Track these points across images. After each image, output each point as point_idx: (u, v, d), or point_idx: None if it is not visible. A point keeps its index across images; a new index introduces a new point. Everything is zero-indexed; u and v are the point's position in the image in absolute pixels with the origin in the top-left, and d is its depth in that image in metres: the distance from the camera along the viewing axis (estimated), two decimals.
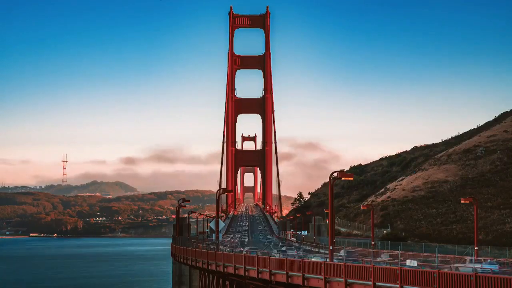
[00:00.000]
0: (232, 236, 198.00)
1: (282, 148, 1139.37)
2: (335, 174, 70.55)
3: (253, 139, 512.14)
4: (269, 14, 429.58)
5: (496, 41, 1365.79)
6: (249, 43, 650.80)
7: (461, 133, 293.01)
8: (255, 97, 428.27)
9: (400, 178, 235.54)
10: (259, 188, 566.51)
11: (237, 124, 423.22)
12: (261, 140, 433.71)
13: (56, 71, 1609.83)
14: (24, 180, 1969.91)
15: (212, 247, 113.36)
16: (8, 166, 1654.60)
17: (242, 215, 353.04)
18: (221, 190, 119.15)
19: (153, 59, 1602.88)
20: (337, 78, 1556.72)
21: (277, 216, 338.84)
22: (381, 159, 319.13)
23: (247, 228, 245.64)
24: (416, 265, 69.81)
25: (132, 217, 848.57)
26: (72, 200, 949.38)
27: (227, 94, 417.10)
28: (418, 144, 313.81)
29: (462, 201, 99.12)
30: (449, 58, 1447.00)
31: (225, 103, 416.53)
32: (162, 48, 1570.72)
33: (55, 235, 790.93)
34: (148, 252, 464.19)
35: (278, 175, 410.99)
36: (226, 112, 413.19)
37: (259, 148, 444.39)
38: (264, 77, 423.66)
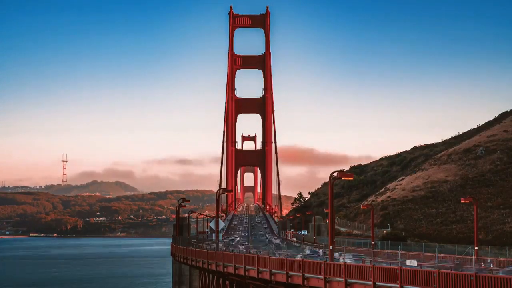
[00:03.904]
0: (233, 237, 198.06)
1: (282, 147, 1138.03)
2: (335, 174, 70.55)
3: (253, 139, 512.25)
4: (269, 14, 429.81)
5: (496, 41, 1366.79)
6: (249, 43, 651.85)
7: (461, 133, 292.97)
8: (255, 97, 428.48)
9: (400, 178, 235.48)
10: (259, 188, 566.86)
11: (237, 124, 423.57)
12: (261, 140, 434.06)
13: (56, 71, 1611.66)
14: (24, 180, 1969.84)
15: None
16: (8, 166, 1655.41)
17: (242, 215, 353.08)
18: (221, 190, 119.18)
19: (153, 59, 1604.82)
20: (337, 77, 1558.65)
21: (277, 216, 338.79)
22: (381, 159, 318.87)
23: (247, 228, 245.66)
24: (416, 265, 69.83)
25: (132, 217, 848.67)
26: (72, 200, 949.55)
27: (227, 94, 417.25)
28: (418, 144, 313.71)
29: (462, 201, 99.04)
30: (449, 58, 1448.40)
31: (225, 103, 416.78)
32: (162, 48, 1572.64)
33: (55, 234, 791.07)
34: (148, 252, 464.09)
35: (278, 175, 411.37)
36: (226, 112, 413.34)
37: (259, 148, 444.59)
38: (264, 77, 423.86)
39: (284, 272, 71.87)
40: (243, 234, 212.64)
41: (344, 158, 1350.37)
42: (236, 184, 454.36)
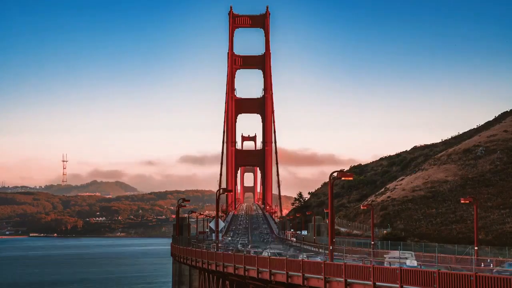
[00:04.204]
0: (232, 237, 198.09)
1: (282, 147, 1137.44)
2: (335, 174, 70.55)
3: (253, 139, 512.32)
4: (269, 14, 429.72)
5: (496, 41, 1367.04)
6: (249, 43, 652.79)
7: (461, 133, 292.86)
8: (255, 97, 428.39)
9: (400, 178, 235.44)
10: (259, 188, 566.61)
11: (237, 124, 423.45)
12: (261, 140, 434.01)
13: (56, 71, 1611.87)
14: (24, 180, 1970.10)
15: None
16: (8, 166, 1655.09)
17: (242, 215, 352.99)
18: (221, 190, 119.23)
19: (153, 59, 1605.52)
20: (337, 77, 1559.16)
21: (277, 216, 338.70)
22: (381, 159, 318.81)
23: (247, 228, 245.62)
24: (416, 265, 69.84)
25: (132, 217, 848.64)
26: (72, 200, 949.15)
27: (227, 94, 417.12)
28: (418, 144, 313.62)
29: (462, 201, 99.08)
30: (449, 58, 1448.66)
31: (225, 103, 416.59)
32: (162, 48, 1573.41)
33: (55, 235, 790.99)
34: (148, 252, 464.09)
35: (278, 175, 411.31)
36: (226, 112, 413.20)
37: (259, 148, 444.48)
38: (264, 77, 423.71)
39: (284, 272, 71.87)
40: (242, 234, 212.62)
41: (344, 158, 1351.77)
42: (236, 184, 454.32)
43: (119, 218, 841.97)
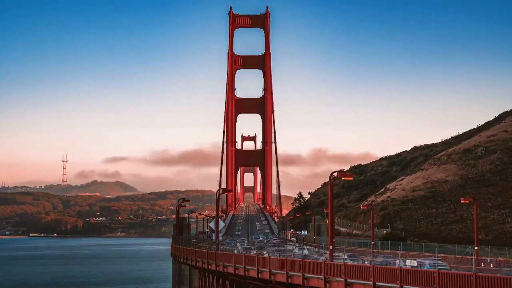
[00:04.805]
0: (232, 237, 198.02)
1: (282, 147, 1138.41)
2: (335, 174, 70.57)
3: (253, 139, 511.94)
4: (269, 14, 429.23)
5: (496, 41, 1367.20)
6: (249, 43, 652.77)
7: (461, 133, 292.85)
8: (255, 97, 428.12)
9: (400, 178, 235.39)
10: (259, 188, 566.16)
11: (237, 124, 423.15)
12: (261, 140, 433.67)
13: (56, 71, 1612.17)
14: (24, 180, 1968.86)
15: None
16: (8, 166, 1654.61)
17: (242, 215, 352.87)
18: (221, 190, 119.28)
19: (153, 59, 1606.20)
20: (337, 77, 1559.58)
21: (277, 216, 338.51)
22: (381, 159, 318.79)
23: (247, 228, 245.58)
24: (416, 265, 69.84)
25: (132, 217, 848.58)
26: (72, 200, 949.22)
27: (227, 94, 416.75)
28: (418, 144, 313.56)
29: (462, 201, 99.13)
30: (449, 58, 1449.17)
31: (225, 103, 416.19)
32: (162, 48, 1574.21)
33: (55, 235, 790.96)
34: (148, 252, 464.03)
35: (278, 175, 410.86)
36: (226, 112, 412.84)
37: (259, 148, 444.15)
38: (264, 77, 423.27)
39: (284, 272, 71.87)
40: (242, 234, 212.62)
41: (344, 158, 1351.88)
42: (236, 184, 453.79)
43: (119, 218, 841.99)
